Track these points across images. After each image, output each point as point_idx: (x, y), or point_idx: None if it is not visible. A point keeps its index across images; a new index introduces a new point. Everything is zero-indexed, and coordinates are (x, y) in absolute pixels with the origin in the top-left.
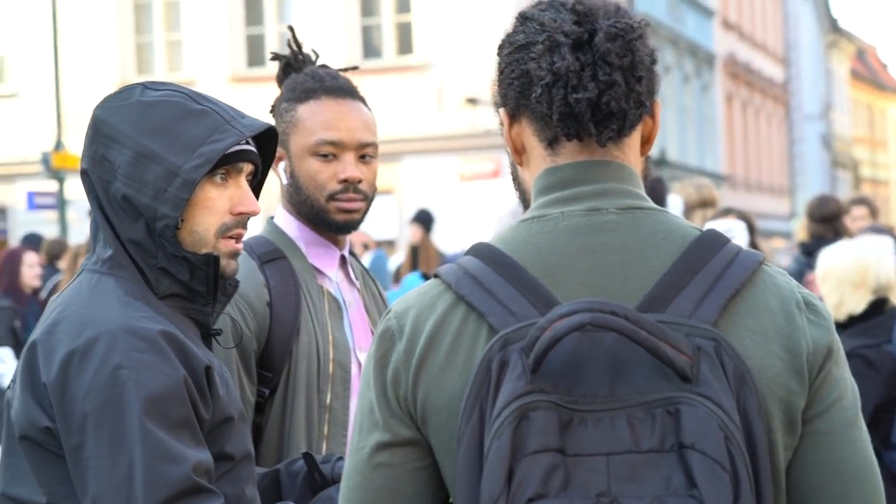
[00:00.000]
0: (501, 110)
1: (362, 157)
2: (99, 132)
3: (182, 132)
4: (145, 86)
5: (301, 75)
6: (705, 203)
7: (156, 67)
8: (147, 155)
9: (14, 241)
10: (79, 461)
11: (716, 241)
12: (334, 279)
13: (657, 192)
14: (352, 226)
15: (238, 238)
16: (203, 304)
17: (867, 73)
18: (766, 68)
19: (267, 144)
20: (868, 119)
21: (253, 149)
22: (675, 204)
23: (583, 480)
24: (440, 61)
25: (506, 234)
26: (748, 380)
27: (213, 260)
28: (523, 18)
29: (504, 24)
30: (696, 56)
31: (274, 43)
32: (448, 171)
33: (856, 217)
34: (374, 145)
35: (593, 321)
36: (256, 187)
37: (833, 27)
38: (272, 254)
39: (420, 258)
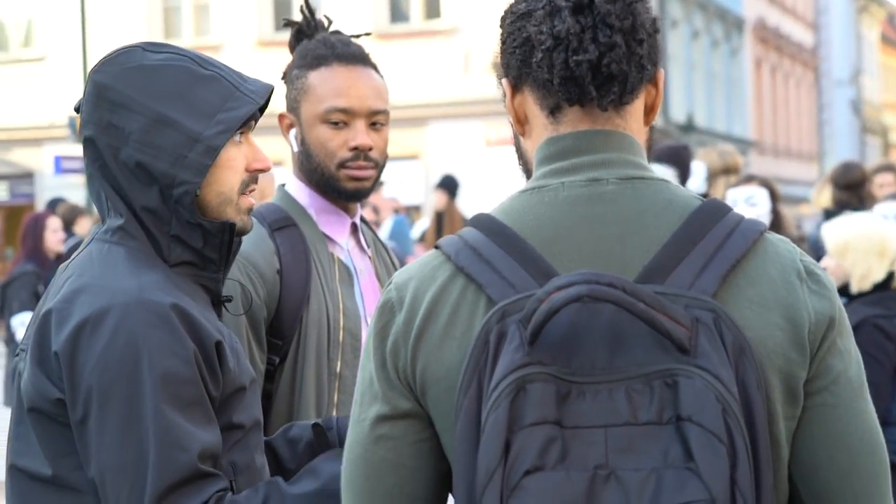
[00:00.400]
0: (504, 80)
1: (373, 125)
2: (103, 98)
3: (195, 98)
4: (144, 48)
5: (313, 42)
6: (728, 170)
7: (183, 31)
8: (162, 121)
9: (42, 204)
10: (84, 433)
11: (716, 211)
12: (345, 247)
13: (682, 159)
14: (362, 193)
15: (251, 193)
16: (214, 271)
17: None
18: (795, 33)
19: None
20: None
21: (257, 106)
22: (698, 170)
23: (580, 453)
24: (467, 26)
25: (506, 204)
26: (747, 351)
27: (228, 227)
28: None
29: None
30: (725, 20)
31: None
32: (474, 136)
33: (881, 184)
34: (385, 113)
35: (590, 293)
36: None
37: None
38: (282, 221)
39: (445, 224)
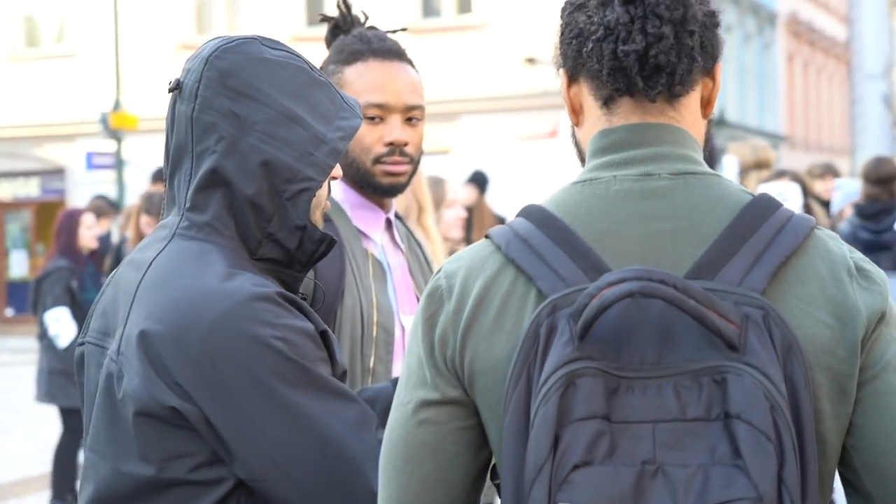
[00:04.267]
0: (561, 70)
1: (409, 120)
2: (225, 86)
3: (316, 102)
4: (262, 42)
5: (349, 37)
6: (760, 165)
7: (214, 27)
8: (290, 116)
9: (73, 200)
10: (241, 433)
11: (767, 207)
12: (379, 242)
13: (711, 154)
14: (398, 189)
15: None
16: (298, 270)
17: None
18: (828, 27)
19: None
20: None
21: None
22: (730, 165)
23: (628, 448)
24: (499, 20)
25: (558, 195)
26: (796, 349)
27: (328, 240)
28: None
29: None
30: (757, 15)
31: (333, 2)
32: (506, 131)
33: None
34: (420, 108)
35: (641, 290)
36: None
37: None
38: None
39: (474, 220)
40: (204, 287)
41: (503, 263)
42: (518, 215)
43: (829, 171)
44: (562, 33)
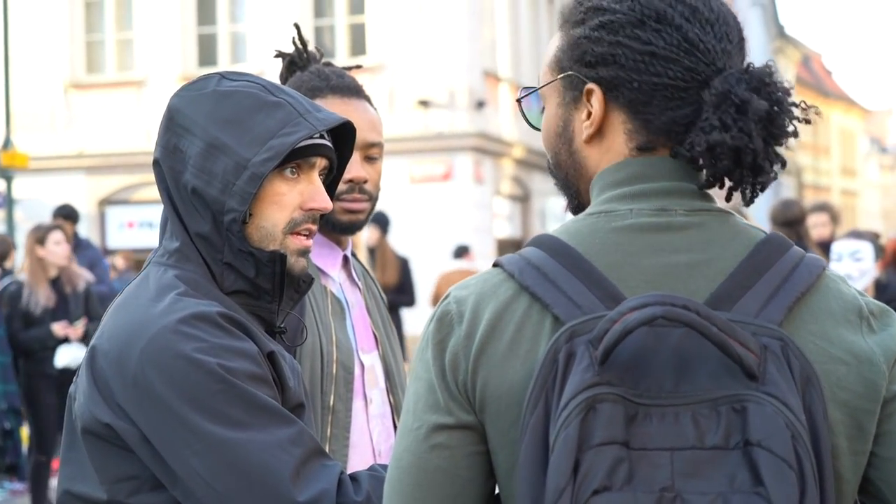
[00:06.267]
0: (595, 86)
1: (368, 158)
2: (173, 121)
3: (254, 124)
4: (223, 75)
5: (306, 73)
6: None
7: (106, 66)
8: (217, 146)
9: None
10: (173, 455)
11: (781, 244)
12: (337, 279)
13: None
14: (357, 226)
15: (309, 234)
16: (269, 301)
17: (812, 80)
18: None
19: (344, 140)
20: (811, 125)
21: (328, 143)
22: None
23: (647, 474)
24: (393, 63)
25: (570, 225)
26: (814, 381)
27: (279, 257)
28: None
29: (456, 26)
30: None
31: (226, 43)
32: (399, 173)
33: (815, 224)
34: (379, 145)
35: (665, 314)
36: (332, 183)
37: (780, 33)
38: None
39: (377, 260)
40: (150, 309)
41: (517, 291)
42: (529, 244)
43: (824, 209)
44: (617, 43)
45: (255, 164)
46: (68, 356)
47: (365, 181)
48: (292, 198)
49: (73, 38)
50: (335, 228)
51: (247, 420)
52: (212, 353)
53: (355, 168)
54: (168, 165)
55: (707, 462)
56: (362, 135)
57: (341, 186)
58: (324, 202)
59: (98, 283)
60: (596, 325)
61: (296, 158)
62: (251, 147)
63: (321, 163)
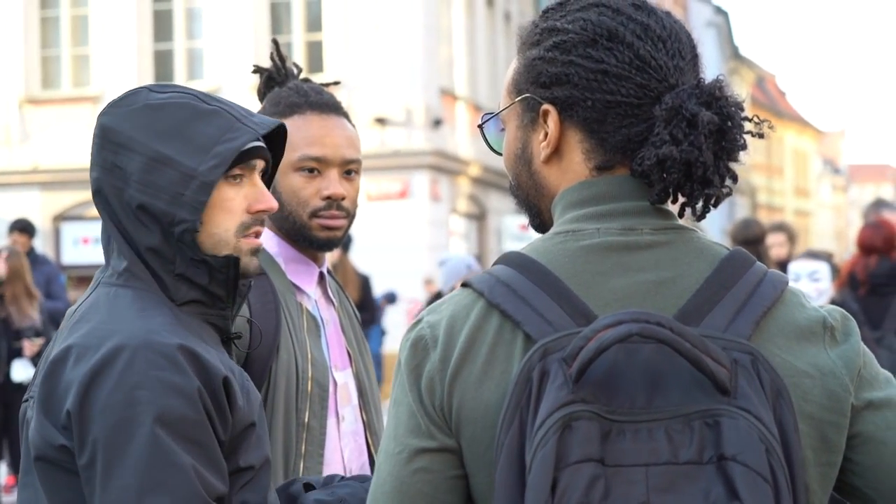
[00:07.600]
0: (550, 107)
1: (346, 174)
2: (107, 140)
3: (194, 134)
4: (150, 89)
5: (285, 89)
6: None
7: (62, 82)
8: (160, 160)
9: None
10: (91, 483)
11: (745, 260)
12: (312, 297)
13: None
14: (334, 243)
15: (257, 234)
16: (222, 308)
17: (766, 101)
18: None
19: (276, 142)
20: (766, 146)
21: (264, 145)
22: None
23: (622, 491)
24: (350, 80)
25: (538, 245)
26: (784, 394)
27: (233, 261)
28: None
29: (413, 44)
30: None
31: (182, 59)
32: None
33: (773, 244)
34: (358, 162)
35: (641, 331)
36: (266, 185)
37: (734, 54)
38: None
39: (338, 278)
40: (105, 328)
41: (486, 309)
42: (497, 262)
43: (782, 229)
44: (570, 62)
45: (202, 172)
46: (23, 372)
47: (343, 198)
48: (239, 202)
49: (28, 54)
50: (311, 245)
51: (146, 457)
52: (146, 389)
53: (334, 185)
54: (108, 183)
55: (682, 477)
56: (341, 151)
57: (318, 203)
58: (270, 202)
59: (55, 299)
60: (568, 342)
61: (239, 163)
62: (195, 156)
63: (260, 164)
